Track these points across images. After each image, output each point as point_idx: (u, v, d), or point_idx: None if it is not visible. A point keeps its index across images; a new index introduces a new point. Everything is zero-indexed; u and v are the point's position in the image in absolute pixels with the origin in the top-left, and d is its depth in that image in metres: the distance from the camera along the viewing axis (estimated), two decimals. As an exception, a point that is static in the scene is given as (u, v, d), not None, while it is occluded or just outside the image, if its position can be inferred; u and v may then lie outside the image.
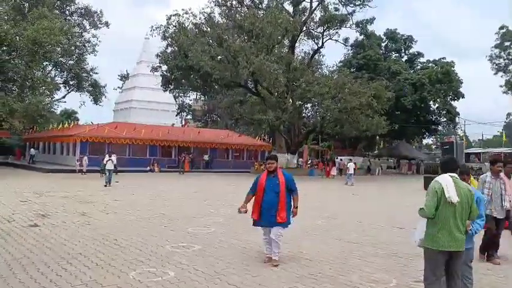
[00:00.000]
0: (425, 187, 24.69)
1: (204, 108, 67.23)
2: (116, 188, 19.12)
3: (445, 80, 44.50)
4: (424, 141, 66.87)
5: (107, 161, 20.71)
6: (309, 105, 39.00)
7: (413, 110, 45.48)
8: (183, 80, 37.32)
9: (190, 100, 70.24)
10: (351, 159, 33.03)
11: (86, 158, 30.40)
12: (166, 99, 49.58)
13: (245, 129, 54.31)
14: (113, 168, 20.45)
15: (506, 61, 48.96)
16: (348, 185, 26.05)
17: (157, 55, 36.14)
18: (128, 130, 37.86)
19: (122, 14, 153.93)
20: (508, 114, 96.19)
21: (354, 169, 27.98)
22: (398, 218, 12.52)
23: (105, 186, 19.49)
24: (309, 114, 42.47)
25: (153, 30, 34.08)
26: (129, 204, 13.70)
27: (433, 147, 78.50)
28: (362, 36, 43.17)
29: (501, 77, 50.32)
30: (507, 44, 47.93)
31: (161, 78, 36.65)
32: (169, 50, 34.72)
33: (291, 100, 36.53)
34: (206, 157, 40.30)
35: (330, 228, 10.42)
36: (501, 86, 51.20)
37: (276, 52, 34.48)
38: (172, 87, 38.77)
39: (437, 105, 47.69)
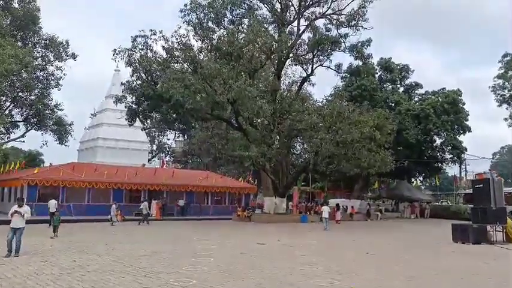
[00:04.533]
0: (455, 238, 19.31)
1: (185, 148, 62.13)
2: (28, 254, 12.90)
3: (451, 111, 39.84)
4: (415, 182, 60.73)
5: (12, 214, 12.55)
6: (299, 139, 33.80)
7: (416, 145, 40.43)
8: (153, 113, 32.17)
9: (168, 139, 65.51)
10: (327, 203, 30.06)
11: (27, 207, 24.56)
12: (138, 138, 44.04)
13: (227, 169, 48.83)
14: (23, 226, 12.60)
15: (512, 92, 44.79)
16: (326, 230, 24.57)
17: (121, 83, 31.03)
18: (88, 171, 32.71)
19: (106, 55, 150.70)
20: (494, 154, 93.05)
21: (329, 213, 26.91)
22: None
23: (6, 256, 11.92)
24: (299, 150, 37.18)
25: (116, 54, 28.96)
26: (4, 290, 8.03)
27: (423, 188, 73.45)
28: (357, 62, 38.65)
29: (506, 109, 46.11)
30: (512, 73, 43.83)
31: (126, 110, 31.22)
32: (135, 76, 29.59)
33: (278, 136, 31.55)
34: (181, 202, 35.27)
35: None
36: (506, 119, 46.97)
37: (259, 77, 29.66)
38: (140, 122, 33.36)
39: (443, 139, 42.73)
